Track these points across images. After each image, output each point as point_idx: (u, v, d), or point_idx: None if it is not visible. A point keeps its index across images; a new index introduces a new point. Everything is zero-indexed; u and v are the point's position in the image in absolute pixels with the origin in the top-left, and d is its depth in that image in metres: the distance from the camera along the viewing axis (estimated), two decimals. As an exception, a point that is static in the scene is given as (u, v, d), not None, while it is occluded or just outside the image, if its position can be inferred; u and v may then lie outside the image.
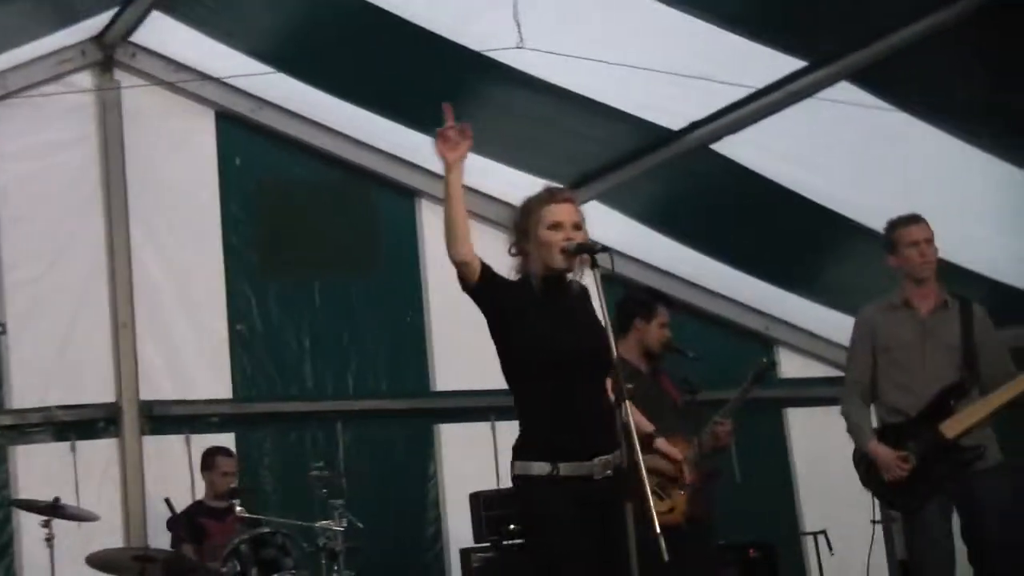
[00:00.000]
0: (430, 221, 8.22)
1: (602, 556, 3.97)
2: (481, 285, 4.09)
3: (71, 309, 7.60)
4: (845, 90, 6.44)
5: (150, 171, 7.85)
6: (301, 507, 7.26)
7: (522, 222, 4.22)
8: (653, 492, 3.81)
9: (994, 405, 5.34)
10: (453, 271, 4.13)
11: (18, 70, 7.53)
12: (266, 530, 6.75)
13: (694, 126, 7.25)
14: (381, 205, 8.56)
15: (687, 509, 5.82)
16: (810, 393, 8.85)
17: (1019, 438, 5.63)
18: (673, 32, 6.31)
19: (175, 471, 7.61)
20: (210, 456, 7.34)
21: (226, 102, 8.08)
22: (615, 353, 3.95)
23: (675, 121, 7.27)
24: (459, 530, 7.87)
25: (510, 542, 7.17)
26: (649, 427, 4.62)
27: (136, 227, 7.78)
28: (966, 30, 5.90)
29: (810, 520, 8.72)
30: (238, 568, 6.57)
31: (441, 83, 7.09)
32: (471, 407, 8.22)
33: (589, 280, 4.10)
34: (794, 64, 6.49)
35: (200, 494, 7.38)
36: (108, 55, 7.77)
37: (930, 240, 5.52)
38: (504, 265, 4.25)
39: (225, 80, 7.95)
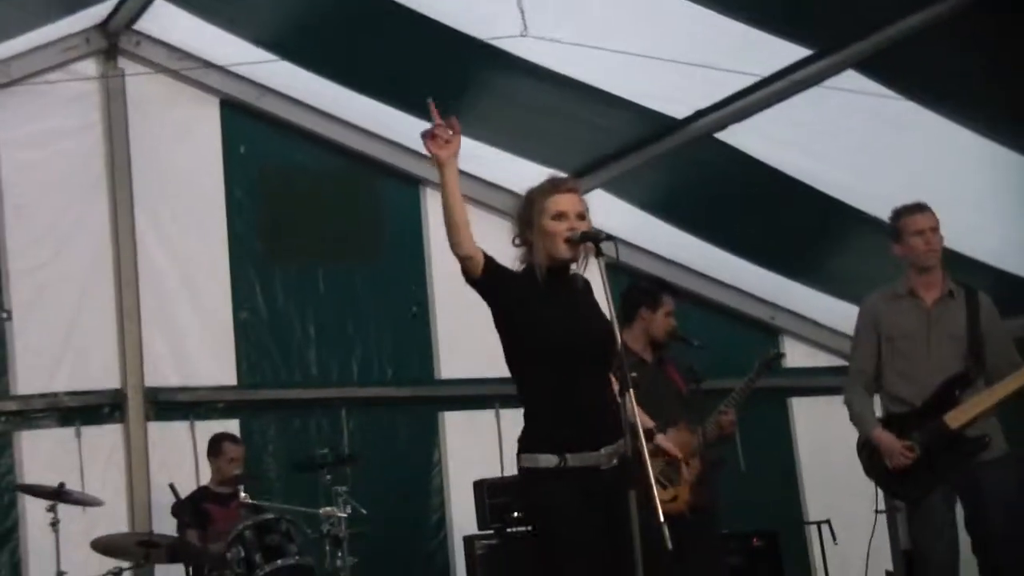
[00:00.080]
0: (435, 209, 8.09)
1: (608, 546, 3.97)
2: (485, 278, 4.09)
3: (76, 296, 7.61)
4: (851, 78, 6.42)
5: (154, 159, 7.85)
6: (305, 493, 7.29)
7: (526, 212, 4.21)
8: (656, 481, 3.81)
9: (999, 395, 5.33)
10: (458, 262, 4.12)
11: (22, 58, 7.52)
12: (270, 516, 6.77)
13: (699, 115, 7.23)
14: (385, 193, 8.56)
15: (691, 498, 5.84)
16: (815, 382, 8.84)
17: (1024, 428, 5.62)
18: (678, 20, 6.29)
19: (179, 457, 7.63)
20: (217, 442, 7.35)
21: (230, 90, 8.08)
22: (619, 343, 3.95)
23: (680, 110, 7.26)
24: (463, 517, 7.89)
25: (514, 529, 7.19)
26: (649, 423, 4.62)
27: (140, 214, 7.78)
28: (973, 16, 5.87)
29: (814, 509, 8.72)
30: (242, 554, 6.59)
31: (445, 71, 7.09)
32: (475, 395, 8.23)
33: (594, 269, 4.10)
34: (800, 52, 6.47)
35: (204, 480, 7.40)
36: (112, 43, 7.76)
37: (935, 229, 5.50)
38: (509, 254, 4.25)
39: (229, 68, 7.94)
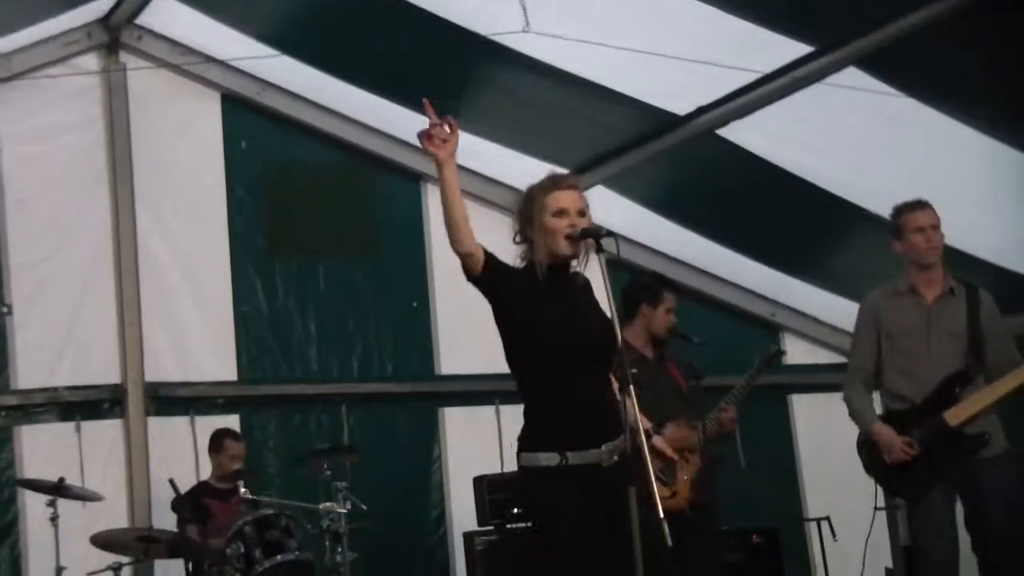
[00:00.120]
0: (435, 205, 8.00)
1: (608, 544, 3.97)
2: (485, 275, 4.08)
3: (77, 291, 7.61)
4: (852, 75, 6.42)
5: (156, 153, 7.85)
6: (305, 489, 7.29)
7: (526, 209, 4.20)
8: (656, 477, 3.81)
9: (999, 393, 5.32)
10: (458, 259, 4.12)
11: (23, 52, 7.53)
12: (270, 512, 6.77)
13: (700, 111, 7.24)
14: (387, 189, 8.56)
15: (691, 495, 5.84)
16: (815, 379, 8.84)
17: (1024, 426, 5.62)
18: (680, 16, 6.29)
19: (180, 452, 7.64)
20: (218, 439, 7.34)
21: (232, 85, 8.08)
22: (620, 341, 3.95)
23: (681, 106, 7.26)
24: (463, 513, 7.90)
25: (513, 526, 7.19)
26: (646, 423, 4.62)
27: (142, 209, 7.78)
28: (974, 15, 5.87)
29: (814, 506, 8.73)
30: (242, 549, 6.60)
31: (447, 67, 7.09)
32: (475, 391, 8.23)
33: (594, 265, 4.09)
34: (801, 49, 6.47)
35: (204, 475, 7.40)
36: (114, 37, 7.77)
37: (936, 226, 5.50)
38: (509, 250, 4.24)
39: (231, 63, 7.94)
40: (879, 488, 5.68)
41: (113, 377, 7.63)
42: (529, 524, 4.20)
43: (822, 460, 8.81)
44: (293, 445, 7.84)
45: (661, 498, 3.72)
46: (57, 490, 6.44)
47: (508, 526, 7.23)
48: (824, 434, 8.58)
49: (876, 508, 5.92)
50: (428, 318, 8.45)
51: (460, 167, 4.07)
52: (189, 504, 6.91)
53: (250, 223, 8.14)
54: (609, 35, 6.45)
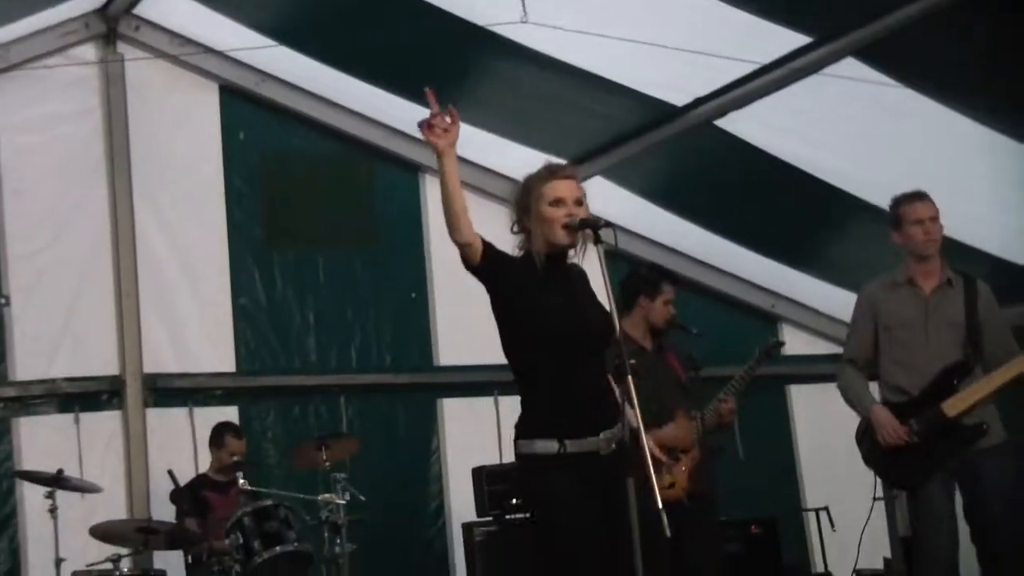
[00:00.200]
0: (434, 195, 8.01)
1: (607, 532, 3.97)
2: (484, 264, 4.08)
3: (75, 282, 7.61)
4: (850, 66, 6.41)
5: (153, 144, 7.84)
6: (304, 480, 7.29)
7: (523, 199, 4.20)
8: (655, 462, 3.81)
9: (996, 383, 5.32)
10: (456, 248, 4.12)
11: (21, 42, 7.51)
12: (269, 503, 6.78)
13: (698, 102, 7.23)
14: (385, 179, 8.55)
15: (689, 485, 5.83)
16: (814, 370, 8.83)
17: (1023, 416, 5.61)
18: (677, 8, 6.29)
19: (178, 443, 7.64)
20: (219, 434, 7.33)
21: (230, 75, 8.07)
22: (618, 331, 3.95)
23: (679, 97, 7.25)
24: (461, 504, 7.90)
25: (512, 516, 7.19)
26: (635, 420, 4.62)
27: (139, 200, 7.78)
28: (971, 5, 5.86)
29: (812, 497, 8.74)
30: (241, 540, 6.60)
31: (445, 57, 7.08)
32: (474, 382, 8.23)
33: (592, 256, 4.09)
34: (799, 40, 6.46)
35: (203, 466, 7.40)
36: (111, 27, 7.75)
37: (935, 218, 5.48)
38: (507, 241, 4.24)
39: (229, 53, 7.93)
40: (878, 478, 5.68)
41: (111, 368, 7.63)
42: (528, 514, 4.20)
43: (821, 451, 8.82)
44: (292, 436, 7.84)
45: (660, 488, 3.72)
46: (56, 482, 6.45)
47: (507, 517, 7.24)
48: (823, 425, 8.59)
49: (875, 498, 5.92)
50: (427, 309, 8.45)
51: (458, 158, 4.05)
52: (188, 497, 6.92)
53: (248, 214, 8.14)
54: (607, 26, 6.44)
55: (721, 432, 6.23)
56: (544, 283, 4.12)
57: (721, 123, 7.29)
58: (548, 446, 4.02)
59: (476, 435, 8.13)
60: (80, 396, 7.56)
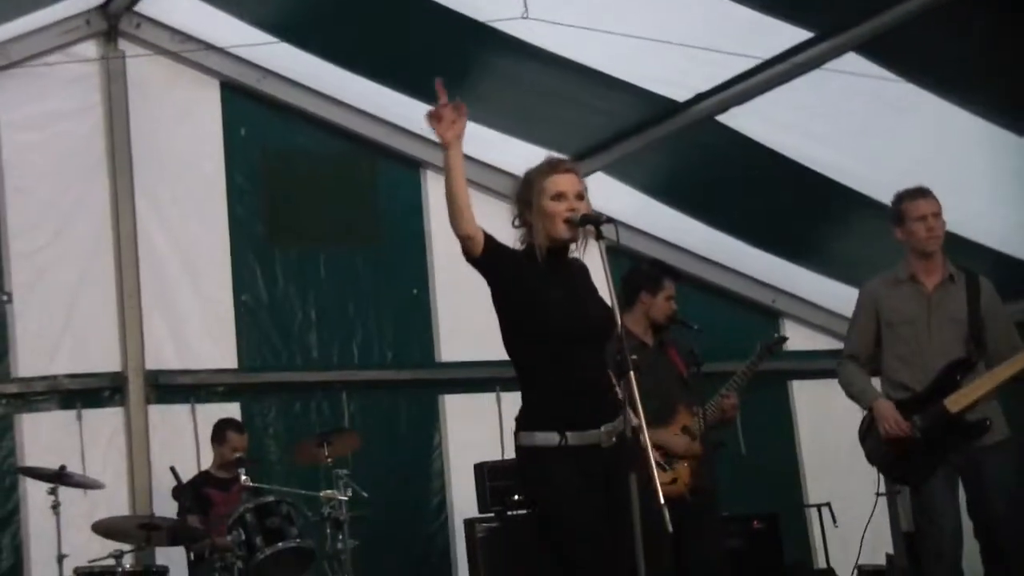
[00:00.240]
0: (435, 192, 8.16)
1: (608, 525, 3.97)
2: (485, 256, 4.08)
3: (76, 279, 7.61)
4: (852, 61, 6.41)
5: (155, 141, 7.84)
6: (306, 476, 7.30)
7: (524, 193, 4.20)
8: (656, 463, 3.81)
9: (999, 379, 5.31)
10: (458, 242, 4.12)
11: (22, 40, 7.51)
12: (271, 499, 6.78)
13: (700, 97, 7.23)
14: (387, 176, 8.55)
15: (691, 481, 5.83)
16: (816, 366, 8.83)
17: (1026, 412, 5.61)
18: (679, 3, 6.29)
19: (180, 440, 7.65)
20: (221, 430, 7.34)
21: (231, 72, 8.06)
22: (619, 326, 3.95)
23: (681, 93, 7.25)
24: (463, 500, 7.90)
25: (514, 512, 7.19)
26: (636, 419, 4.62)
27: (141, 197, 7.78)
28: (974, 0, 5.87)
29: (814, 492, 8.74)
30: (243, 537, 6.60)
31: (446, 53, 7.07)
32: (476, 378, 8.23)
33: (594, 251, 4.09)
34: (801, 35, 6.46)
35: (205, 462, 7.41)
36: (112, 25, 7.75)
37: (937, 214, 5.47)
38: (509, 236, 4.24)
39: (230, 50, 7.93)
40: (880, 474, 5.67)
41: (113, 365, 7.64)
42: (529, 507, 4.20)
43: (822, 446, 8.82)
44: (294, 433, 7.85)
45: (661, 484, 3.72)
46: (58, 478, 6.44)
47: (509, 513, 7.24)
48: (825, 420, 8.59)
49: (877, 494, 5.92)
50: (428, 305, 8.45)
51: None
52: (190, 494, 6.92)
53: (250, 211, 8.14)
54: (608, 22, 6.44)
55: (723, 428, 6.23)
56: (545, 277, 4.12)
57: (723, 118, 7.29)
58: (549, 438, 4.02)
59: (478, 431, 8.13)
60: (82, 393, 7.56)
